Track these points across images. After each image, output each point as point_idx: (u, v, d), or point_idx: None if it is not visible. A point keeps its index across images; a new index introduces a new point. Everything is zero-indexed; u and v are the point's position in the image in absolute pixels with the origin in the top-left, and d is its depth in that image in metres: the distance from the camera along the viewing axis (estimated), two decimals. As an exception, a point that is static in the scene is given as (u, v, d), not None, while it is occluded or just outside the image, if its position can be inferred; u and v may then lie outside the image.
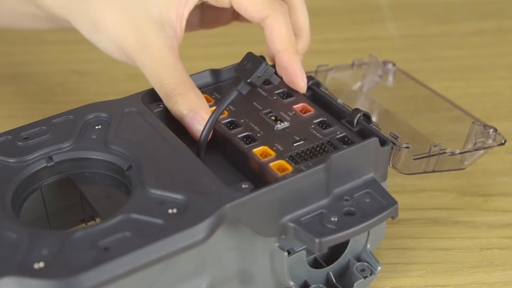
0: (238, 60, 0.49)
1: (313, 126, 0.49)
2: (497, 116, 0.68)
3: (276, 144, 0.47)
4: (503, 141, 0.54)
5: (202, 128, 0.48)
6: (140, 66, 0.52)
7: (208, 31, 0.62)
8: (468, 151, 0.53)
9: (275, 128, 0.49)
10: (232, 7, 0.54)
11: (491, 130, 0.54)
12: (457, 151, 0.53)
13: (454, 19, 0.86)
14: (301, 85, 0.52)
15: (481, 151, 0.54)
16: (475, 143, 0.54)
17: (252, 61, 0.47)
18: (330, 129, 0.48)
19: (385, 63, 0.64)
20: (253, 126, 0.49)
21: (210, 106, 0.51)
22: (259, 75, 0.46)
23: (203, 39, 0.64)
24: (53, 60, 0.70)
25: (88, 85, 0.73)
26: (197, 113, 0.49)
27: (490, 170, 0.61)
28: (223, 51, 0.78)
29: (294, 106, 0.51)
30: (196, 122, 0.49)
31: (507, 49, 0.80)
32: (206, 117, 0.48)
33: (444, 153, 0.52)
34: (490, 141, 0.54)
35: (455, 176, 0.60)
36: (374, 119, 0.49)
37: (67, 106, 0.52)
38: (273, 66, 0.54)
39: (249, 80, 0.46)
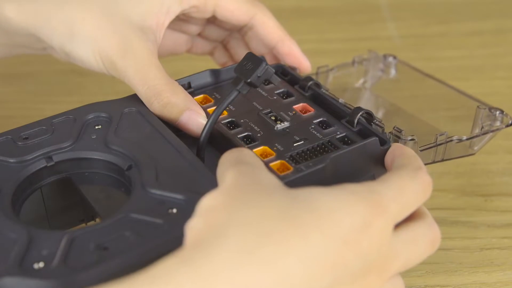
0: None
1: (313, 126, 0.49)
2: (497, 116, 0.68)
3: (276, 144, 0.47)
4: (510, 122, 0.53)
5: (203, 121, 0.48)
6: (121, 70, 0.51)
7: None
8: (476, 136, 0.53)
9: (275, 128, 0.49)
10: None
11: (498, 112, 0.54)
12: (464, 137, 0.52)
13: (454, 19, 0.86)
14: (307, 64, 0.58)
15: (490, 134, 0.53)
16: (482, 127, 0.53)
17: (252, 61, 0.47)
18: (330, 129, 0.48)
19: (385, 56, 0.64)
20: (253, 126, 0.49)
21: (210, 106, 0.51)
22: (259, 75, 0.46)
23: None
24: (53, 60, 0.69)
25: (88, 85, 0.73)
26: (193, 110, 0.49)
27: (490, 170, 0.61)
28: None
29: (294, 106, 0.51)
30: (196, 117, 0.48)
31: (507, 49, 0.80)
32: (202, 112, 0.49)
33: (451, 140, 0.51)
34: (497, 123, 0.53)
35: (455, 176, 0.60)
36: (380, 114, 0.48)
37: (67, 106, 0.52)
38: (273, 66, 0.54)
39: (249, 80, 0.46)
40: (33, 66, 0.76)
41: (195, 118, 0.49)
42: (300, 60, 0.58)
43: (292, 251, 0.35)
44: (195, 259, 0.34)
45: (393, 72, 0.64)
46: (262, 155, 0.46)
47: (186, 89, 0.52)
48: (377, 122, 0.48)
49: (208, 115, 0.49)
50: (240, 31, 0.59)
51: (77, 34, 0.51)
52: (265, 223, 0.35)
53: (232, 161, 0.40)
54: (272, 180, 0.39)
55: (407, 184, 0.40)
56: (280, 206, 0.36)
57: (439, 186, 0.59)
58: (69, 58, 0.53)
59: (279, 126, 0.49)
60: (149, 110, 0.50)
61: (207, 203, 0.37)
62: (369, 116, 0.48)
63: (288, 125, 0.49)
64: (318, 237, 0.35)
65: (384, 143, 0.46)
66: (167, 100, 0.49)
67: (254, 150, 0.47)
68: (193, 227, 0.37)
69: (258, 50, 0.59)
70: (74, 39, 0.52)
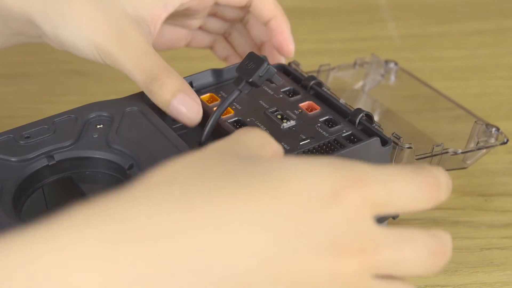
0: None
1: (319, 125, 0.49)
2: (497, 116, 0.68)
3: (283, 143, 0.47)
4: (505, 140, 0.54)
5: (197, 105, 0.48)
6: (117, 59, 0.50)
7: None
8: (471, 151, 0.53)
9: (282, 127, 0.49)
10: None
11: (494, 129, 0.54)
12: (460, 151, 0.53)
13: (454, 19, 0.86)
14: (291, 48, 0.57)
15: (484, 150, 0.54)
16: (477, 143, 0.54)
17: (254, 61, 0.47)
18: (337, 127, 0.48)
19: (387, 62, 0.64)
20: (260, 125, 0.49)
21: (216, 105, 0.51)
22: (260, 74, 0.46)
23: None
24: (54, 60, 0.70)
25: (88, 85, 0.73)
26: (187, 94, 0.49)
27: (490, 170, 0.61)
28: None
29: (300, 104, 0.51)
30: (189, 100, 0.48)
31: (507, 49, 0.80)
32: (196, 98, 0.49)
33: (447, 152, 0.52)
34: (492, 140, 0.54)
35: (455, 176, 0.60)
36: (376, 118, 0.49)
37: (68, 106, 0.51)
38: (275, 65, 0.54)
39: (250, 80, 0.46)
40: (33, 66, 0.76)
41: (189, 101, 0.48)
42: (285, 41, 0.57)
43: (241, 214, 0.32)
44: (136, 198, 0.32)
45: (392, 78, 0.64)
46: (268, 155, 0.46)
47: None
48: (375, 126, 0.48)
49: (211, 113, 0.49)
50: (242, 21, 0.59)
51: (72, 25, 0.51)
52: (220, 179, 0.33)
53: None
54: (250, 152, 0.36)
55: (405, 174, 0.35)
56: (243, 169, 0.34)
57: (439, 186, 0.59)
58: (63, 46, 0.53)
59: (285, 125, 0.49)
60: (151, 110, 0.50)
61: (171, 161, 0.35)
62: (369, 118, 0.48)
63: (294, 123, 0.49)
64: (269, 202, 0.33)
65: (385, 143, 0.47)
66: (162, 82, 0.48)
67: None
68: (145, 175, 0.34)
69: (260, 37, 0.59)
70: (69, 29, 0.51)
